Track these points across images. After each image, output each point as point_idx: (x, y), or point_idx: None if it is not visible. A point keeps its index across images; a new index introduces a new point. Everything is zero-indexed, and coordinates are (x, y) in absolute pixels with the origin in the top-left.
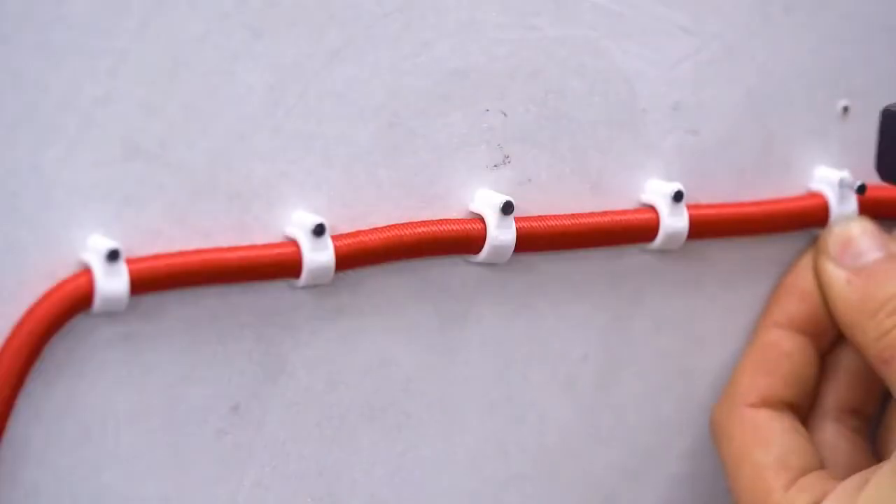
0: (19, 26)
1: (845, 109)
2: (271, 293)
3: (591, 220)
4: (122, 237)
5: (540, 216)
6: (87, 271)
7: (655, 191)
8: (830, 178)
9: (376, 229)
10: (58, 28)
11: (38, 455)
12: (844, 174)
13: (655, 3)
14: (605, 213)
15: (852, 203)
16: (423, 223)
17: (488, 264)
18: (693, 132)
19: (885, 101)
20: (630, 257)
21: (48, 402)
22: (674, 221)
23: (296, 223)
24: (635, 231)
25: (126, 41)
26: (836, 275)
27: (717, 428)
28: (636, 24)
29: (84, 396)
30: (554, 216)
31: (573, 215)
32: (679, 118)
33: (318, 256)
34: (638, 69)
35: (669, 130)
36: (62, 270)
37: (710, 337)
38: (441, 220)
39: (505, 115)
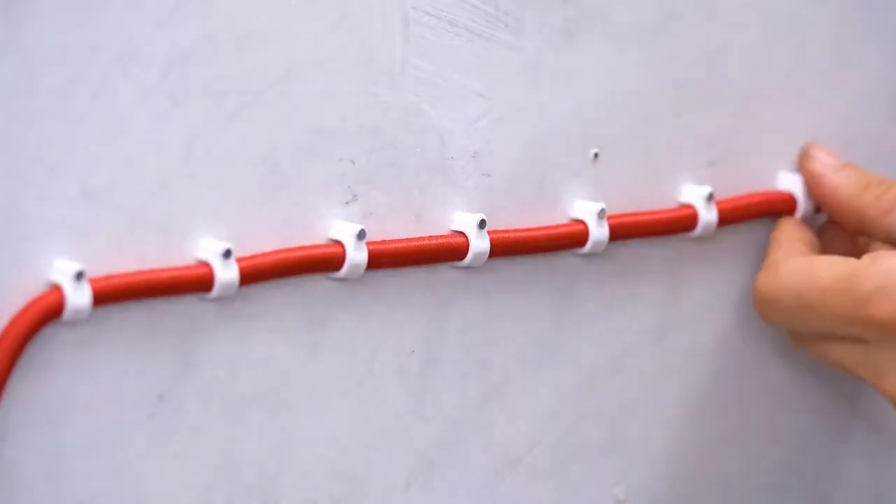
0: (3, 98)
1: (596, 155)
2: (187, 304)
3: (419, 243)
4: (79, 261)
5: (385, 240)
6: (57, 288)
7: (463, 220)
8: (588, 208)
9: (269, 253)
10: (33, 97)
11: (15, 437)
12: (601, 205)
13: (459, 74)
14: (430, 237)
15: (605, 230)
16: (302, 248)
17: (345, 280)
18: (487, 175)
19: (627, 149)
20: (443, 273)
21: (24, 393)
22: (480, 244)
23: (207, 249)
24: (450, 251)
25: (82, 106)
26: (827, 162)
27: (772, 288)
28: (446, 90)
29: (51, 389)
30: (394, 240)
31: (406, 240)
32: (477, 164)
33: (227, 274)
34: (447, 126)
35: (471, 174)
36: (33, 288)
37: (500, 335)
38: (314, 245)
39: (353, 162)
